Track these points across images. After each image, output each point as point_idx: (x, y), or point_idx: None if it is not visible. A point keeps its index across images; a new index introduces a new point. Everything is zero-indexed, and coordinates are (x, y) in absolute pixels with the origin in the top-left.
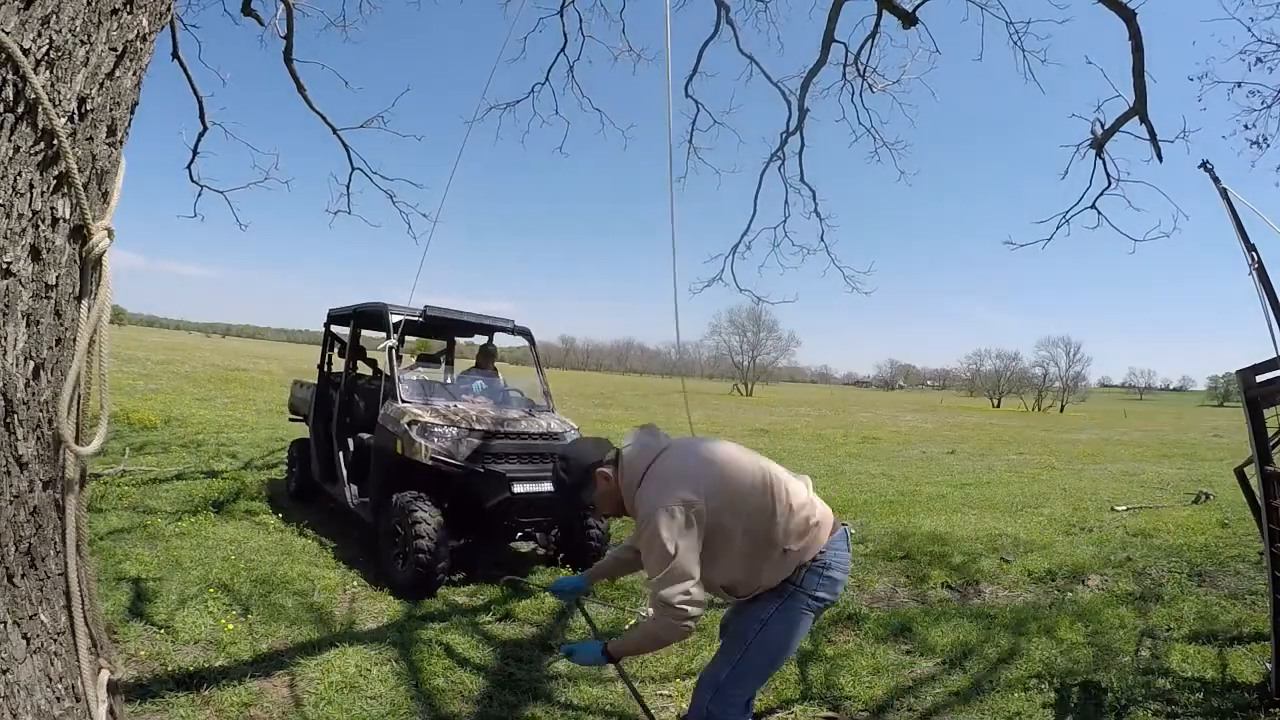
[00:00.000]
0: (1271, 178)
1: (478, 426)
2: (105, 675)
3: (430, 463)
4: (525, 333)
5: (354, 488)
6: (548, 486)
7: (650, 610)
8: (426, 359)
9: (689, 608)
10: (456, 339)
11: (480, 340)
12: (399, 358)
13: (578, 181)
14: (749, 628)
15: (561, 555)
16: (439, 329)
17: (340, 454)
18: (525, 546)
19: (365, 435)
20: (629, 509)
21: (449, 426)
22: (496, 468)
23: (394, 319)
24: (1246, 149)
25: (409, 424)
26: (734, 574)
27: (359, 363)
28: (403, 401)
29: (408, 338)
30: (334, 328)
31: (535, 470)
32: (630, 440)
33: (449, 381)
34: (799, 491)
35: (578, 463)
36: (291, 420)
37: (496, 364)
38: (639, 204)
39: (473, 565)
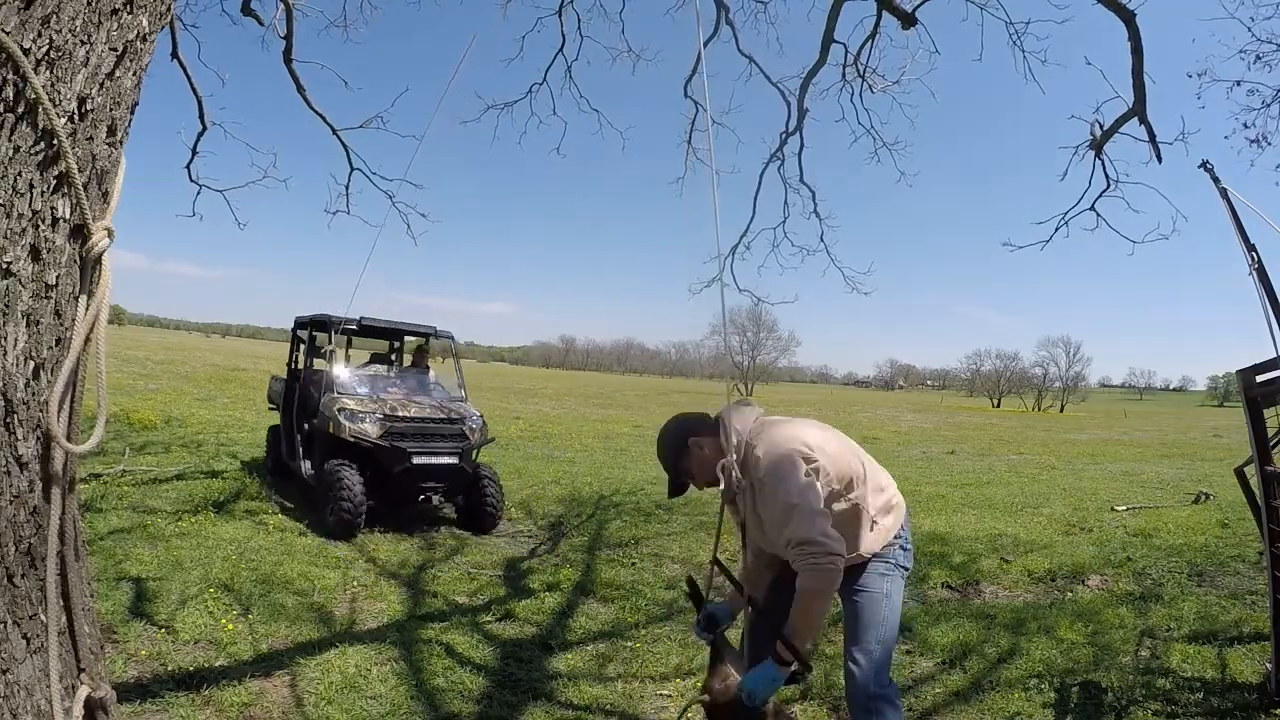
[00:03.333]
0: (1271, 177)
1: (388, 411)
2: (85, 691)
3: (352, 439)
4: (449, 336)
5: (306, 462)
6: (445, 460)
7: (797, 568)
8: (378, 358)
9: (830, 541)
10: (412, 339)
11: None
12: (347, 357)
13: (578, 181)
14: (877, 603)
15: (462, 516)
16: (376, 334)
17: (298, 435)
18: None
19: (315, 419)
20: (732, 475)
21: (367, 411)
22: (400, 444)
23: (334, 327)
24: (1246, 148)
25: (338, 410)
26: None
27: (315, 360)
28: (337, 392)
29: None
30: (299, 331)
31: (435, 446)
32: (726, 409)
33: (392, 376)
34: (881, 471)
35: (675, 433)
36: (270, 409)
37: (430, 361)
38: (637, 203)
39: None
